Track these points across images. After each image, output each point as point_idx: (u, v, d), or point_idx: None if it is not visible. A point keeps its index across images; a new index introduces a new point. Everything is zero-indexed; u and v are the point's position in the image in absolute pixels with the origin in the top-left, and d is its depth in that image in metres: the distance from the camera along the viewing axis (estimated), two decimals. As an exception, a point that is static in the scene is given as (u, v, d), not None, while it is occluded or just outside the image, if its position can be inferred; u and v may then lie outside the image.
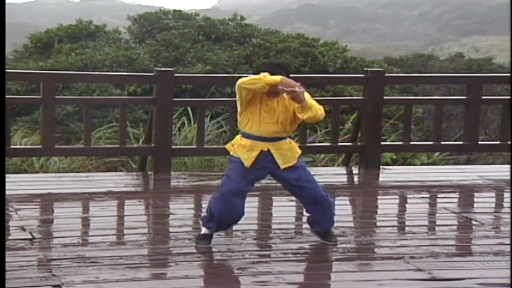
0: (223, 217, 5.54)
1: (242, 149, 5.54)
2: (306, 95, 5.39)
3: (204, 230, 5.67)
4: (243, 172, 5.51)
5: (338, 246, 5.74)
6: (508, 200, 7.72)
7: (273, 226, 6.43)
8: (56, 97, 8.55)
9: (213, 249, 5.59)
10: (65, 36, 17.81)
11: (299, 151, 5.66)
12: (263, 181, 8.14)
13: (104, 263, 5.20)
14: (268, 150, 5.50)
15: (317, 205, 5.67)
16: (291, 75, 5.49)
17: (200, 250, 5.57)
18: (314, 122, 5.69)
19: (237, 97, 5.49)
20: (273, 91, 5.37)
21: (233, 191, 5.49)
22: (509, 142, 9.26)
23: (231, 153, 5.62)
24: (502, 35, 73.28)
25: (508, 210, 7.17)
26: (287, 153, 5.55)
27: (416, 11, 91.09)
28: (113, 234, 6.12)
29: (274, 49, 16.35)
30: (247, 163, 5.49)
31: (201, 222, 5.75)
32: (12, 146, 8.32)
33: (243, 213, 5.60)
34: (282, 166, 5.53)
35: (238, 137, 5.64)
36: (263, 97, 5.45)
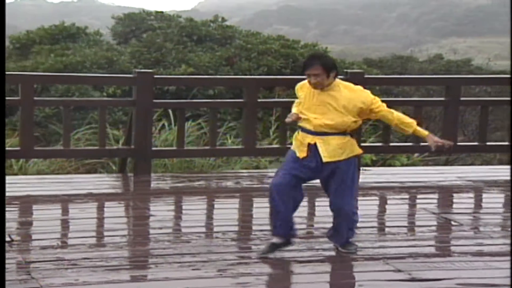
0: (277, 207, 5.46)
1: (295, 142, 5.58)
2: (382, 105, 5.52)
3: (274, 240, 5.58)
4: (294, 162, 5.50)
5: (319, 247, 5.75)
6: (488, 201, 7.80)
7: (254, 228, 6.43)
8: (35, 98, 8.50)
9: (193, 251, 5.59)
10: (46, 37, 17.73)
11: (355, 151, 5.54)
12: (244, 183, 8.18)
13: (84, 265, 5.17)
14: (315, 143, 5.48)
15: (336, 219, 5.62)
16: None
17: (179, 251, 5.56)
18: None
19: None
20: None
21: (282, 182, 5.47)
22: (487, 143, 9.34)
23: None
24: (480, 37, 73.92)
25: (488, 211, 7.24)
26: (336, 148, 5.46)
27: (395, 13, 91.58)
28: (93, 236, 6.10)
29: (256, 50, 16.38)
30: (300, 155, 5.50)
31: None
32: (-10, 148, 8.25)
33: (300, 198, 5.56)
34: (324, 160, 5.46)
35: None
36: (315, 92, 5.48)
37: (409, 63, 21.96)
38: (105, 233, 6.22)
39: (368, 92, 5.59)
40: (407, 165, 10.81)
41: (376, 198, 7.71)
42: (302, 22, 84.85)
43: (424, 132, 5.66)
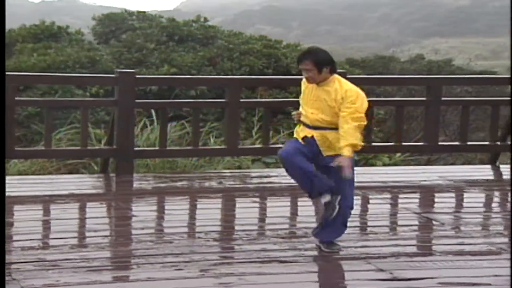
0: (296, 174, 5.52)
1: (295, 135, 5.68)
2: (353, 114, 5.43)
3: (326, 198, 5.57)
4: (296, 141, 5.61)
5: (301, 247, 5.76)
6: (469, 200, 7.85)
7: (236, 228, 6.44)
8: (17, 99, 8.45)
9: (176, 251, 5.58)
10: (28, 36, 17.64)
11: (351, 143, 5.47)
12: (226, 183, 8.17)
13: (65, 266, 5.15)
14: (312, 136, 5.55)
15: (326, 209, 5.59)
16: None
17: (162, 252, 5.55)
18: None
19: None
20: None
21: (290, 150, 5.50)
22: (468, 143, 9.40)
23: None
24: (462, 37, 74.32)
25: (469, 210, 7.29)
26: (330, 140, 5.52)
27: (377, 13, 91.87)
28: (75, 237, 6.07)
29: (238, 50, 16.38)
30: (299, 137, 5.61)
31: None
32: (-29, 148, 8.19)
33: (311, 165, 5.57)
34: (324, 154, 5.54)
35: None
36: (313, 87, 5.54)
37: (391, 63, 22.06)
38: (87, 234, 6.20)
39: (356, 93, 5.51)
40: (389, 164, 10.85)
41: (358, 197, 7.72)
42: (284, 22, 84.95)
43: (344, 152, 5.45)
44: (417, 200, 7.80)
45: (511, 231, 6.30)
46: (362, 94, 5.53)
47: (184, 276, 5.10)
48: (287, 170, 5.60)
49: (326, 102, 5.50)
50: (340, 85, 5.53)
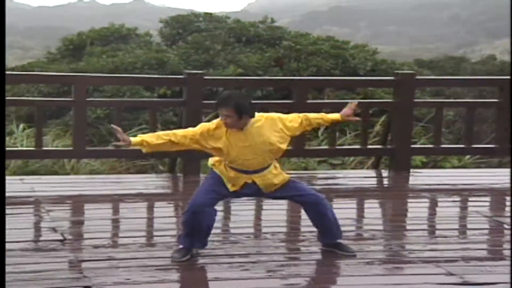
0: (193, 228, 5.33)
1: (225, 175, 5.36)
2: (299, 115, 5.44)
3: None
4: (219, 187, 5.34)
5: (368, 249, 5.70)
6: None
7: (302, 229, 6.39)
8: (88, 99, 8.62)
9: (242, 252, 5.58)
10: (97, 38, 18.00)
11: (286, 176, 5.45)
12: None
13: (134, 264, 5.22)
14: (253, 181, 5.37)
15: (319, 212, 5.48)
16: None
17: (229, 252, 5.56)
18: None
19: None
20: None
21: (202, 204, 5.28)
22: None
23: (213, 168, 5.44)
24: (535, 37, 72.37)
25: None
26: (273, 180, 5.38)
27: (447, 13, 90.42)
28: (143, 236, 6.14)
29: (305, 51, 16.35)
30: (231, 189, 5.37)
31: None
32: (43, 148, 8.39)
33: (215, 217, 5.40)
34: (265, 191, 5.41)
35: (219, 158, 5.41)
36: (237, 133, 5.24)
37: (461, 64, 21.68)
38: (155, 233, 6.27)
39: (277, 114, 5.43)
40: (458, 167, 10.66)
41: (427, 200, 7.62)
42: (352, 23, 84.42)
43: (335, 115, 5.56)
44: (487, 203, 7.64)
45: (511, 233, 6.12)
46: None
47: (251, 277, 5.11)
48: (192, 218, 5.29)
49: (263, 141, 5.23)
50: (265, 118, 5.33)
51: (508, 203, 7.69)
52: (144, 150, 5.33)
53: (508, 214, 7.12)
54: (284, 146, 5.36)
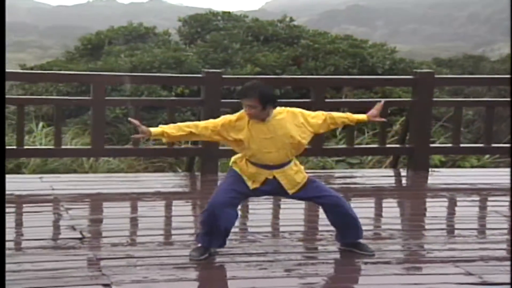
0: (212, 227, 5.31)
1: (246, 172, 5.34)
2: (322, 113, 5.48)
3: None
4: (239, 186, 5.32)
5: (386, 249, 5.68)
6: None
7: (320, 228, 6.38)
8: (106, 98, 8.65)
9: (260, 251, 5.59)
10: (115, 37, 18.04)
11: (306, 175, 5.44)
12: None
13: (152, 263, 5.24)
14: (274, 177, 5.35)
15: (340, 213, 5.46)
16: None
17: (246, 251, 5.56)
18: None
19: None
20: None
21: (222, 203, 5.26)
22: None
23: (233, 166, 5.41)
24: (555, 36, 71.77)
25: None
26: (295, 177, 5.37)
27: (466, 12, 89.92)
28: (161, 234, 6.17)
29: (323, 50, 16.30)
30: (252, 186, 5.36)
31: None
32: (62, 147, 8.44)
33: (234, 220, 5.38)
34: (291, 192, 5.40)
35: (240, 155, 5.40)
36: (259, 124, 5.24)
37: (480, 63, 21.53)
38: (173, 232, 6.29)
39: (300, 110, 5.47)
40: (477, 166, 10.60)
41: (446, 200, 7.58)
42: (369, 22, 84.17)
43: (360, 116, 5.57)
44: (507, 203, 7.57)
45: (511, 233, 6.07)
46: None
47: (268, 276, 5.11)
48: (211, 217, 5.28)
49: (285, 134, 5.23)
50: (287, 111, 5.33)
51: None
52: (164, 141, 5.40)
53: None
54: (305, 142, 5.35)
